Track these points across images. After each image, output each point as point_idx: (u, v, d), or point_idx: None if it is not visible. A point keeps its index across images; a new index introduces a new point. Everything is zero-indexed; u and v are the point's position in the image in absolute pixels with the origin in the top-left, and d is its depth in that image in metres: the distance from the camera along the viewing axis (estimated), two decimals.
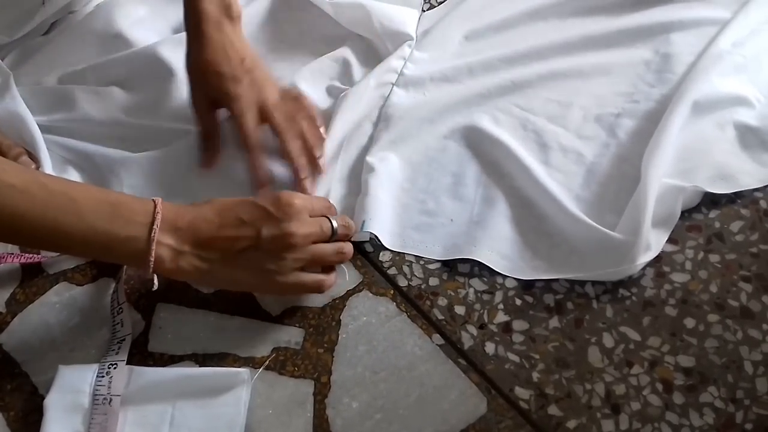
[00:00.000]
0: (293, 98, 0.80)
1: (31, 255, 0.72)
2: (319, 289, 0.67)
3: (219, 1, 0.76)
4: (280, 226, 0.63)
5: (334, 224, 0.67)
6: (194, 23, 0.76)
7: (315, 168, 0.77)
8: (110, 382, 0.63)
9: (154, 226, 0.61)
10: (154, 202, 0.62)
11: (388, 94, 0.84)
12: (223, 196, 0.76)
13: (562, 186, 0.74)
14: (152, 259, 0.60)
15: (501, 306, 0.68)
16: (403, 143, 0.79)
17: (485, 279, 0.70)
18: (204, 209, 0.64)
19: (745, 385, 0.62)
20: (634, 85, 0.81)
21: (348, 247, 0.69)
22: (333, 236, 0.67)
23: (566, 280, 0.69)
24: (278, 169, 0.77)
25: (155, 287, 0.62)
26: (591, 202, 0.73)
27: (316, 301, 0.69)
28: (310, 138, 0.77)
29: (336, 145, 0.80)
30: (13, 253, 0.72)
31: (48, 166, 0.77)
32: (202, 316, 0.69)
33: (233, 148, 0.78)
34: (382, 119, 0.81)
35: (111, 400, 0.62)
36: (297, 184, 0.75)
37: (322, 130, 0.79)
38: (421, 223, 0.74)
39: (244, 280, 0.64)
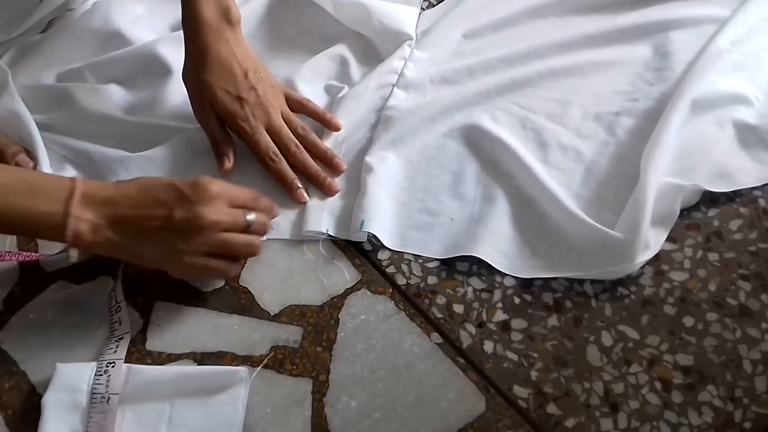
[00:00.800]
0: (298, 104, 0.81)
1: (29, 253, 0.72)
2: (223, 275, 0.69)
3: (217, 6, 0.75)
4: (191, 209, 0.64)
5: (250, 218, 0.67)
6: (192, 30, 0.76)
7: (335, 170, 0.78)
8: (108, 381, 0.63)
9: (72, 201, 0.62)
10: (73, 179, 0.64)
11: (388, 96, 0.83)
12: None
13: (562, 184, 0.74)
14: (69, 232, 0.62)
15: (500, 304, 0.68)
16: (402, 143, 0.79)
17: (484, 277, 0.70)
18: (126, 186, 0.65)
19: (743, 384, 0.62)
20: (633, 84, 0.81)
21: (257, 241, 0.69)
22: (249, 228, 0.67)
23: (565, 279, 0.69)
24: None
25: (74, 260, 0.64)
26: (590, 200, 0.73)
27: (315, 299, 0.69)
28: (320, 146, 0.78)
29: (335, 146, 0.80)
30: (11, 251, 0.72)
31: (46, 165, 0.77)
32: (200, 314, 0.69)
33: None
34: (381, 121, 0.81)
35: (109, 398, 0.62)
36: (321, 190, 0.76)
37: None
38: (421, 222, 0.74)
39: (154, 257, 0.65)
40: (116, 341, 0.66)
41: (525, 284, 0.69)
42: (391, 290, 0.70)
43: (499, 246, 0.71)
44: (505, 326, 0.67)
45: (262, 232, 0.69)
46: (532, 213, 0.73)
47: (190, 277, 0.70)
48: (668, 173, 0.72)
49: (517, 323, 0.67)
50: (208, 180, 0.65)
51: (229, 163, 0.77)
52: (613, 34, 0.86)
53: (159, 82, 0.83)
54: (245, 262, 0.71)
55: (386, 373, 0.65)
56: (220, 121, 0.77)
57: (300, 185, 0.76)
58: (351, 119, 0.81)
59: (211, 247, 0.65)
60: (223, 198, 0.66)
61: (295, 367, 0.66)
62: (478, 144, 0.78)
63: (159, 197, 0.64)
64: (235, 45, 0.77)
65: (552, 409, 0.62)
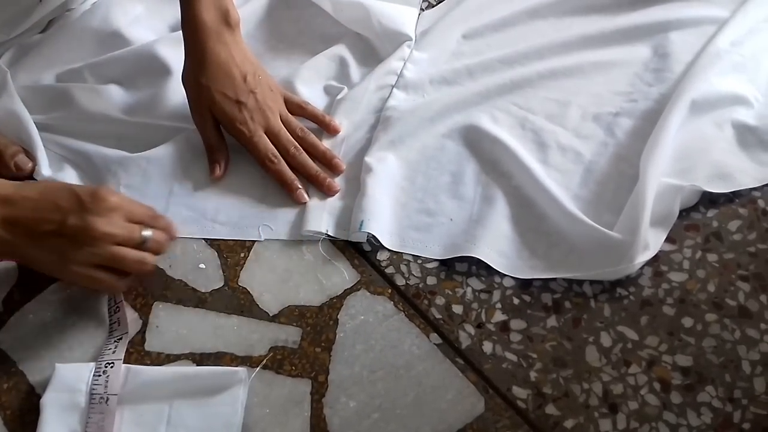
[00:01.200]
0: (297, 107, 0.80)
1: None
2: (109, 289, 0.68)
3: (216, 9, 0.75)
4: (85, 218, 0.63)
5: (146, 234, 0.67)
6: (191, 33, 0.76)
7: (334, 170, 0.78)
8: (107, 381, 0.63)
9: None
10: None
11: (388, 97, 0.83)
12: (222, 194, 0.77)
13: (561, 185, 0.74)
14: None
15: (499, 305, 0.68)
16: (401, 143, 0.79)
17: (483, 278, 0.70)
18: (28, 187, 0.65)
19: (742, 385, 0.62)
20: (633, 85, 0.81)
21: (150, 259, 0.67)
22: (144, 245, 0.67)
23: (564, 280, 0.69)
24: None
25: None
26: (589, 201, 0.73)
27: (314, 300, 0.69)
28: (319, 147, 0.78)
29: (334, 147, 0.80)
30: None
31: (45, 165, 0.77)
32: (199, 315, 0.69)
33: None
34: (381, 121, 0.81)
35: (108, 399, 0.62)
36: (320, 190, 0.76)
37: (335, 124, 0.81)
38: (421, 223, 0.74)
39: (44, 261, 0.65)
40: (115, 342, 0.66)
41: (524, 285, 0.69)
42: (390, 291, 0.70)
43: (498, 246, 0.71)
44: (504, 327, 0.67)
45: (157, 250, 0.68)
46: (531, 214, 0.73)
47: (81, 285, 0.69)
48: (667, 174, 0.72)
49: (516, 324, 0.67)
50: (108, 191, 0.65)
51: (219, 171, 0.77)
52: (612, 35, 0.85)
53: (158, 82, 0.83)
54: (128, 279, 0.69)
55: (385, 374, 0.65)
56: (216, 126, 0.77)
57: (300, 186, 0.76)
58: (350, 120, 0.82)
59: (101, 258, 0.65)
60: (121, 211, 0.65)
61: (294, 367, 0.66)
62: (478, 144, 0.78)
63: (57, 202, 0.64)
64: (234, 48, 0.77)
65: (551, 409, 0.62)
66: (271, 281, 0.71)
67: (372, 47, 0.88)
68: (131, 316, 0.69)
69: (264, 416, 0.63)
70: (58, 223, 0.63)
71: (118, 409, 0.62)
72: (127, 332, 0.67)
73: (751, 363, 0.64)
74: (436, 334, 0.67)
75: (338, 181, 0.77)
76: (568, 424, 0.61)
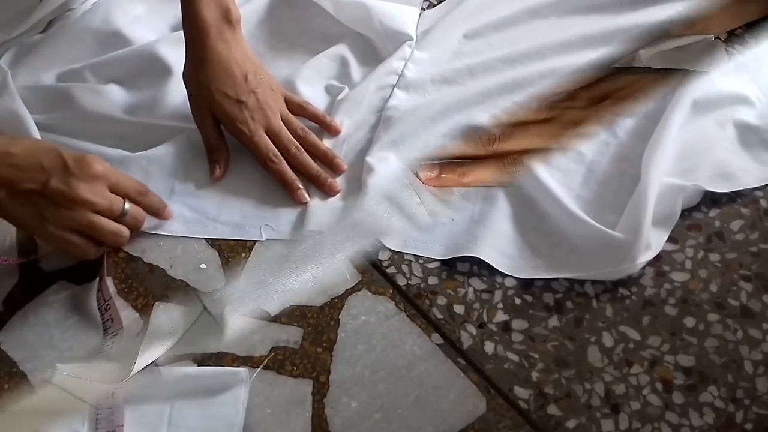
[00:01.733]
0: (298, 107, 0.80)
1: (5, 258, 0.72)
2: (82, 255, 0.69)
3: (217, 6, 0.75)
4: (68, 182, 0.64)
5: (127, 207, 0.69)
6: (192, 30, 0.76)
7: (335, 170, 0.77)
8: None
9: None
10: None
11: (389, 97, 0.83)
12: (223, 194, 0.77)
13: (562, 185, 0.73)
14: None
15: (500, 305, 0.68)
16: (402, 143, 0.79)
17: (484, 278, 0.70)
18: (13, 143, 0.66)
19: (745, 385, 0.62)
20: None
21: (126, 233, 0.70)
22: (123, 218, 0.69)
23: (566, 279, 0.69)
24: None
25: None
26: (591, 201, 0.73)
27: (315, 300, 0.69)
28: (320, 147, 0.78)
29: (335, 147, 0.79)
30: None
31: None
32: (200, 314, 0.69)
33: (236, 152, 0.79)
34: (382, 121, 0.81)
35: (113, 393, 0.63)
36: (322, 190, 0.76)
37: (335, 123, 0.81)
38: None
39: (21, 218, 0.66)
40: (111, 338, 0.66)
41: (525, 285, 0.69)
42: (391, 291, 0.70)
43: (499, 246, 0.71)
44: (505, 327, 0.67)
45: (134, 225, 0.70)
46: (532, 213, 0.73)
47: (56, 247, 0.70)
48: (669, 173, 0.72)
49: (518, 324, 0.67)
50: (94, 158, 0.66)
51: (219, 172, 0.77)
52: (614, 34, 0.85)
53: (159, 82, 0.83)
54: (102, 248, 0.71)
55: (387, 374, 0.65)
56: (217, 125, 0.77)
57: (301, 186, 0.75)
58: (351, 120, 0.81)
59: (77, 224, 0.66)
60: (106, 180, 0.67)
61: (295, 367, 0.66)
62: None
63: (42, 163, 0.64)
64: (235, 46, 0.76)
65: (553, 410, 0.62)
66: None
67: (373, 47, 0.88)
68: (133, 316, 0.69)
69: (265, 416, 0.63)
70: (41, 183, 0.64)
71: None
72: (122, 327, 0.67)
73: (753, 363, 0.63)
74: (437, 335, 0.67)
75: (339, 181, 0.77)
76: (570, 424, 0.61)
